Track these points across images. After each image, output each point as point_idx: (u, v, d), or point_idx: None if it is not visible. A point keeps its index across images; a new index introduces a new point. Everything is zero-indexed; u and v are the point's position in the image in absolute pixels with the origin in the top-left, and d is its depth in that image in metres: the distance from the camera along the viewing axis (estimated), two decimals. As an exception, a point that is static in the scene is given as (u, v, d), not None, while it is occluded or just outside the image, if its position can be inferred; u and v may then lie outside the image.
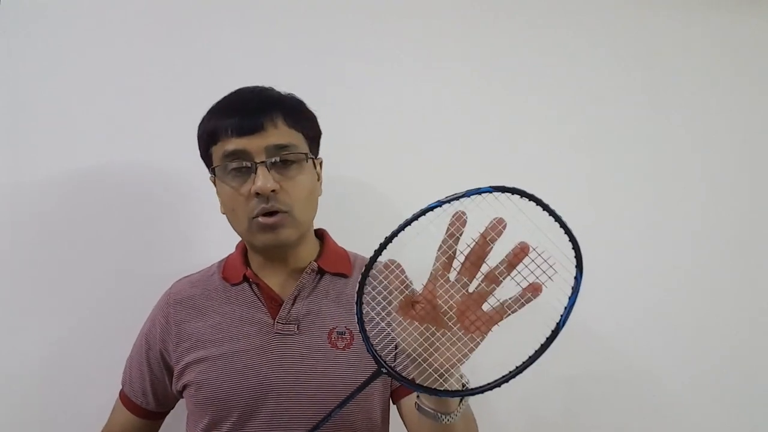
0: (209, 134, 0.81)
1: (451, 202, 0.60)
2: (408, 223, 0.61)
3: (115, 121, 1.12)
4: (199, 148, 0.85)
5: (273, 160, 0.78)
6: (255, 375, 0.79)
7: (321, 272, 0.86)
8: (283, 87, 0.86)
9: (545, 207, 0.59)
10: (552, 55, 1.29)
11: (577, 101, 1.30)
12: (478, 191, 0.59)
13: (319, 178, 0.87)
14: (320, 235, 0.93)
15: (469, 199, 0.59)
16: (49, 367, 1.07)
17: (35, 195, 1.08)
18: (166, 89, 1.14)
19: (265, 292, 0.84)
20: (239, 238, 0.89)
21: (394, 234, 0.61)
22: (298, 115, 0.83)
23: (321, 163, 0.89)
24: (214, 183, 0.85)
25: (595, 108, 1.30)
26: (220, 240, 0.92)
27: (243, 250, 0.89)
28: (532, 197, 0.59)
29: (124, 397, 0.92)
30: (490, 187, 0.59)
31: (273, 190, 0.77)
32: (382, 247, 0.62)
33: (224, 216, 0.85)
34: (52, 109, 1.10)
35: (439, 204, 0.60)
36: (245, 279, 0.86)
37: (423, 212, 0.60)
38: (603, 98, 1.31)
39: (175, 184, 1.13)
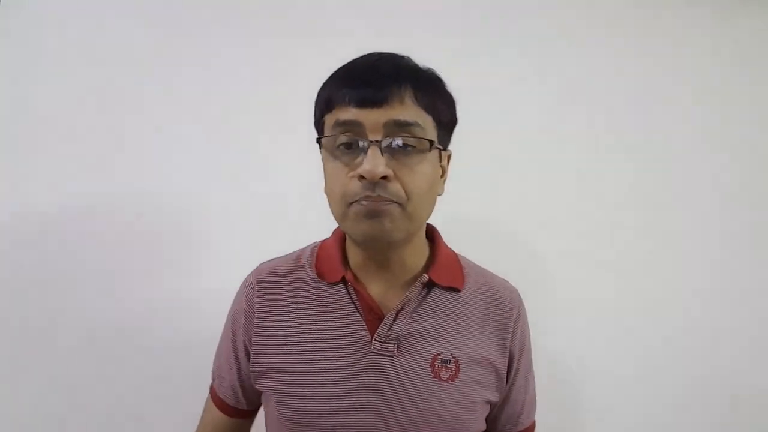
0: (325, 101, 0.68)
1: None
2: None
3: (114, 122, 1.11)
4: (314, 114, 0.72)
5: (391, 142, 0.64)
6: (346, 398, 0.68)
7: (431, 285, 0.73)
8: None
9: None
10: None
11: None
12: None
13: (443, 174, 0.72)
14: (430, 235, 0.78)
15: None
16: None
17: (32, 193, 1.08)
18: (166, 91, 1.12)
19: (363, 299, 0.71)
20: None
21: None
22: (433, 95, 0.68)
23: (449, 157, 0.74)
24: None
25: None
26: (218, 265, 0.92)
27: (341, 242, 0.76)
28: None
29: (214, 394, 0.81)
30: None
31: (383, 177, 0.62)
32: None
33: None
34: (51, 110, 1.10)
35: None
36: (343, 280, 0.72)
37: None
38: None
39: (174, 194, 1.11)
